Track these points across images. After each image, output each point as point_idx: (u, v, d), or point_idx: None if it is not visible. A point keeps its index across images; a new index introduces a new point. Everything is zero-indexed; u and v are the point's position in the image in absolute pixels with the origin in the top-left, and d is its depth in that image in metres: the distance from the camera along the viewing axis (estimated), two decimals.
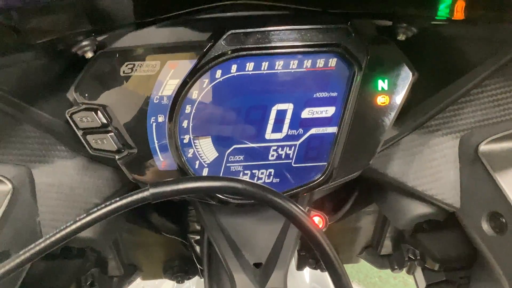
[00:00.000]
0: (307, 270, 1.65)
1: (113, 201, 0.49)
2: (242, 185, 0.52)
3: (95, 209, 0.49)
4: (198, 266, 0.97)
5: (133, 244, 1.08)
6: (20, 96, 0.63)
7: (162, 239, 1.08)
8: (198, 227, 0.97)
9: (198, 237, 0.97)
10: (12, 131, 0.67)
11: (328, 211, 0.98)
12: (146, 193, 0.49)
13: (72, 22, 0.54)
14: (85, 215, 0.48)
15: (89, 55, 0.59)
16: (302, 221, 0.52)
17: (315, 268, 1.19)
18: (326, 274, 1.63)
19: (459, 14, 0.57)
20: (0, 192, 0.64)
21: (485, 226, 0.70)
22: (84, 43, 0.58)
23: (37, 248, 0.47)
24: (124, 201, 0.49)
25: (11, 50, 0.55)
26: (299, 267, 1.21)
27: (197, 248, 0.96)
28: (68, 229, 0.48)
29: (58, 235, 0.47)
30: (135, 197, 0.49)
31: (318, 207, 0.94)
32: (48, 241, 0.47)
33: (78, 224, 0.48)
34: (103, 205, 0.49)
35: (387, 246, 1.08)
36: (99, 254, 0.96)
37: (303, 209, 0.54)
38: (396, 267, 1.06)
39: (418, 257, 0.97)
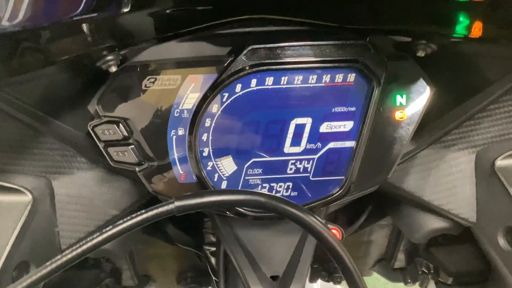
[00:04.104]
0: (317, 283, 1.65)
1: (138, 213, 0.49)
2: (265, 198, 0.52)
3: (121, 221, 0.49)
4: (214, 278, 0.97)
5: (147, 255, 1.08)
6: (43, 109, 0.64)
7: (176, 250, 1.09)
8: (213, 239, 0.97)
9: (213, 249, 0.97)
10: (34, 143, 0.68)
11: (342, 224, 0.98)
12: (171, 206, 0.50)
13: (96, 39, 0.55)
14: (111, 227, 0.49)
15: (113, 69, 0.60)
16: (324, 235, 0.53)
17: (327, 281, 1.19)
18: (338, 287, 1.62)
19: (476, 32, 0.57)
20: (20, 203, 0.64)
21: (501, 241, 0.70)
22: (109, 57, 0.58)
23: (64, 259, 0.47)
24: (149, 213, 0.49)
25: (35, 68, 0.56)
26: (312, 279, 1.21)
27: (213, 260, 0.96)
28: (95, 241, 0.48)
29: (84, 247, 0.48)
30: (160, 209, 0.50)
31: (332, 220, 0.94)
32: (74, 252, 0.47)
33: (105, 235, 0.48)
34: (129, 217, 0.49)
35: (400, 260, 1.07)
36: (114, 264, 0.96)
37: (324, 223, 0.54)
38: (409, 280, 1.05)
39: (432, 271, 0.96)
